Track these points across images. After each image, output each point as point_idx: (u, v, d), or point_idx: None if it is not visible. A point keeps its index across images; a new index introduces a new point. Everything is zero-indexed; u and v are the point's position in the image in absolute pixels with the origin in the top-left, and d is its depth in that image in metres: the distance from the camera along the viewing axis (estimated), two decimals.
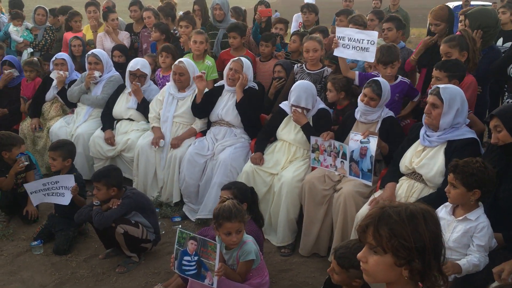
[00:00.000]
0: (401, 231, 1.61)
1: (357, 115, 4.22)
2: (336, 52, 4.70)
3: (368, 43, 4.46)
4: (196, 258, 3.12)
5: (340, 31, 4.70)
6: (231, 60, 5.06)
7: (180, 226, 4.71)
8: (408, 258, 1.61)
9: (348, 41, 4.55)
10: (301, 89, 4.40)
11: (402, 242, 1.60)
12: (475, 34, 4.39)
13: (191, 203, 4.92)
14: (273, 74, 5.54)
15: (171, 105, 5.23)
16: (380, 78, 4.16)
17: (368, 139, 3.87)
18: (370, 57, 4.48)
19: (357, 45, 4.52)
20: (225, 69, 5.07)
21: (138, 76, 5.46)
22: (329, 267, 2.83)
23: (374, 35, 4.48)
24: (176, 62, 5.23)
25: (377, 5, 8.80)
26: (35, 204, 4.60)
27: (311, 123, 4.44)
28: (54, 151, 4.47)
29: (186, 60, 5.25)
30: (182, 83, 5.18)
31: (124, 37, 7.19)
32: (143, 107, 5.43)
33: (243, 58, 5.04)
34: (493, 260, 2.71)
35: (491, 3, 14.32)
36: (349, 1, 8.79)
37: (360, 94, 4.16)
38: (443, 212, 2.98)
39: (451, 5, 13.62)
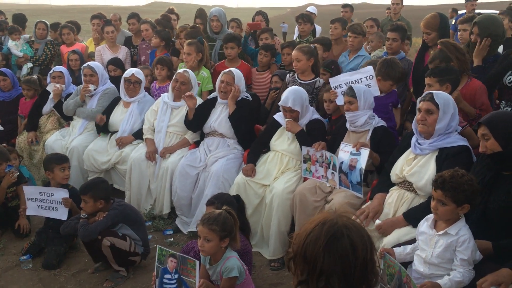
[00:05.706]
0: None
1: (348, 125, 4.16)
2: (339, 101, 4.46)
3: (367, 79, 4.32)
4: (176, 276, 3.05)
5: (334, 81, 4.49)
6: (222, 72, 4.98)
7: (172, 239, 4.66)
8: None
9: (346, 86, 4.32)
10: (290, 91, 4.35)
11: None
12: (484, 42, 4.21)
13: (184, 216, 4.84)
14: (271, 85, 5.48)
15: (165, 114, 5.19)
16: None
17: (359, 151, 3.77)
18: (374, 91, 4.27)
19: None
20: (216, 82, 5.01)
21: (133, 82, 5.45)
22: None
23: (369, 70, 4.35)
24: (181, 70, 5.17)
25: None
26: (28, 214, 4.49)
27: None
28: (66, 163, 4.49)
29: (190, 71, 5.22)
30: (181, 93, 5.10)
31: (126, 54, 7.20)
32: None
33: (234, 70, 4.97)
34: (480, 273, 2.59)
35: (498, 11, 14.15)
36: (345, 11, 8.66)
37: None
38: (424, 226, 2.87)
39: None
